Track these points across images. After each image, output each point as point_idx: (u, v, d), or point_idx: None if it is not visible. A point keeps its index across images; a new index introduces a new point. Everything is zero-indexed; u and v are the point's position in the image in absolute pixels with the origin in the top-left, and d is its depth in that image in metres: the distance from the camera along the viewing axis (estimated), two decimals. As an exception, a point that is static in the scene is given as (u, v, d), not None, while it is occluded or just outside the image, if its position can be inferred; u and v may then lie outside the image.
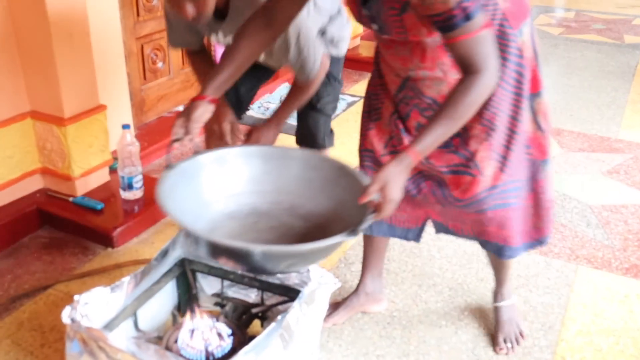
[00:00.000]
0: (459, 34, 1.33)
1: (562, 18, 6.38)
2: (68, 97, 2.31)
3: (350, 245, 2.40)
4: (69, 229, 2.41)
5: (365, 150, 1.78)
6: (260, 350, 1.43)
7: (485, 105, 1.52)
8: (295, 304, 1.52)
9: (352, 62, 4.48)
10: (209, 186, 1.71)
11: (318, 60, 1.90)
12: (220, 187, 1.73)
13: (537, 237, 1.79)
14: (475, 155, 1.59)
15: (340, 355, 1.87)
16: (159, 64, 3.21)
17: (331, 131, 2.30)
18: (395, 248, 2.39)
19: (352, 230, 1.42)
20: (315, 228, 1.67)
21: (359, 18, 1.54)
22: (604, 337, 1.99)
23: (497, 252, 1.79)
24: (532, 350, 1.92)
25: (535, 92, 1.62)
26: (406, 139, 1.67)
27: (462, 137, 1.59)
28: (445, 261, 2.32)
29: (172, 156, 1.60)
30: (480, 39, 1.34)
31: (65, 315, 1.51)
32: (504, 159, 1.60)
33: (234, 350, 1.54)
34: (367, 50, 4.64)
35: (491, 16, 1.46)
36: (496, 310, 1.98)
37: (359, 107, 3.84)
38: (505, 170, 1.61)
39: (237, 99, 2.15)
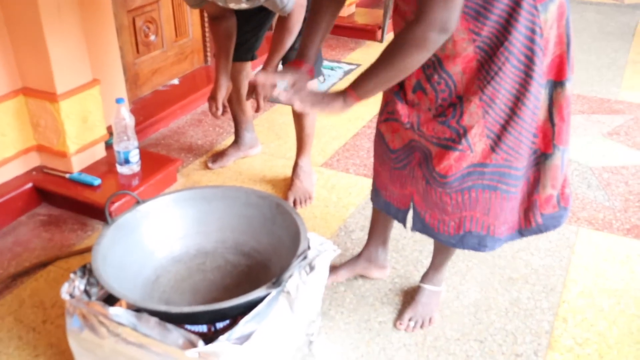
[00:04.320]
0: None
1: (560, -21, 6.28)
2: (59, 72, 2.28)
3: (350, 213, 2.39)
4: (67, 206, 2.40)
5: None
6: (260, 320, 1.43)
7: (488, 79, 1.44)
8: (296, 272, 1.52)
9: (348, 29, 4.44)
10: (153, 233, 1.77)
11: None
12: (165, 233, 1.80)
13: (518, 228, 1.69)
14: (469, 132, 1.50)
15: (342, 323, 1.88)
16: (152, 37, 3.16)
17: (315, 63, 2.32)
18: (395, 215, 2.38)
19: (274, 281, 1.47)
20: (258, 265, 1.77)
21: None
22: (605, 297, 1.99)
23: (478, 245, 1.66)
24: (534, 312, 1.92)
25: (558, 80, 1.50)
26: (399, 105, 1.61)
27: (457, 109, 1.50)
28: (446, 227, 2.31)
29: (113, 210, 1.65)
30: None
31: (64, 291, 1.51)
32: (498, 138, 1.50)
33: (234, 321, 1.54)
34: (362, 18, 4.58)
35: None
36: (419, 289, 1.92)
37: (356, 75, 3.80)
38: (498, 150, 1.51)
39: (247, 44, 2.45)
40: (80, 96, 2.38)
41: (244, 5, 2.01)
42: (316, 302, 1.71)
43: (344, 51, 4.19)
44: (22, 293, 1.99)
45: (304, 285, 1.55)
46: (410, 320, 1.86)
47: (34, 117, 2.38)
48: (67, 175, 2.42)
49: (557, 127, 1.53)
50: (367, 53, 4.15)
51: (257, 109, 2.17)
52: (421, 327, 1.85)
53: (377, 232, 2.01)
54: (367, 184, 2.60)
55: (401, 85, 1.62)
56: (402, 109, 1.60)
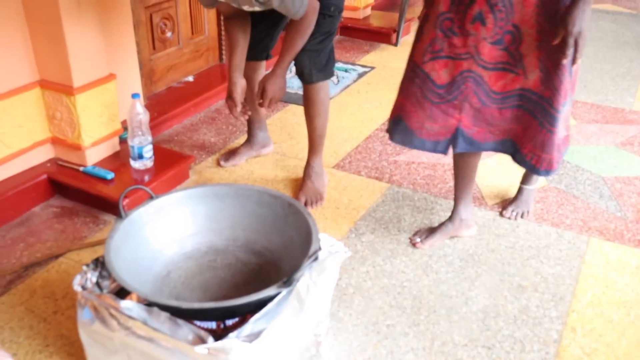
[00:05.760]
0: None
1: (577, -12, 6.25)
2: (77, 66, 2.30)
3: (361, 216, 2.39)
4: (80, 199, 2.42)
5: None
6: (270, 318, 1.44)
7: (547, 17, 1.67)
8: (306, 272, 1.52)
9: (363, 32, 4.44)
10: (165, 229, 1.78)
11: (304, 1, 2.02)
12: (177, 229, 1.81)
13: (542, 165, 1.93)
14: (524, 58, 1.75)
15: (350, 325, 1.88)
16: (168, 34, 3.18)
17: (327, 64, 2.36)
18: (406, 219, 2.38)
19: (285, 281, 1.47)
20: (268, 264, 1.77)
21: None
22: (614, 308, 1.98)
23: (511, 149, 1.97)
24: (542, 320, 1.91)
25: None
26: (455, 39, 1.78)
27: (515, 37, 1.73)
28: (456, 232, 2.32)
29: (126, 204, 1.66)
30: None
31: (76, 282, 1.53)
32: (547, 73, 1.75)
33: (244, 318, 1.55)
34: (378, 21, 4.58)
35: None
36: (520, 190, 2.41)
37: (370, 78, 3.81)
38: (544, 83, 1.76)
39: (262, 44, 2.48)
40: (97, 90, 2.40)
41: (257, 8, 2.03)
42: (325, 303, 1.72)
43: (359, 53, 4.19)
44: (34, 283, 2.00)
45: (314, 286, 1.55)
46: (512, 211, 2.37)
47: (50, 109, 2.40)
48: (81, 168, 2.44)
49: (574, 78, 1.86)
50: (382, 56, 4.15)
51: (261, 105, 2.21)
52: (521, 217, 2.37)
53: (463, 191, 2.20)
54: (378, 186, 2.60)
55: (452, 21, 1.78)
56: (458, 41, 1.80)
